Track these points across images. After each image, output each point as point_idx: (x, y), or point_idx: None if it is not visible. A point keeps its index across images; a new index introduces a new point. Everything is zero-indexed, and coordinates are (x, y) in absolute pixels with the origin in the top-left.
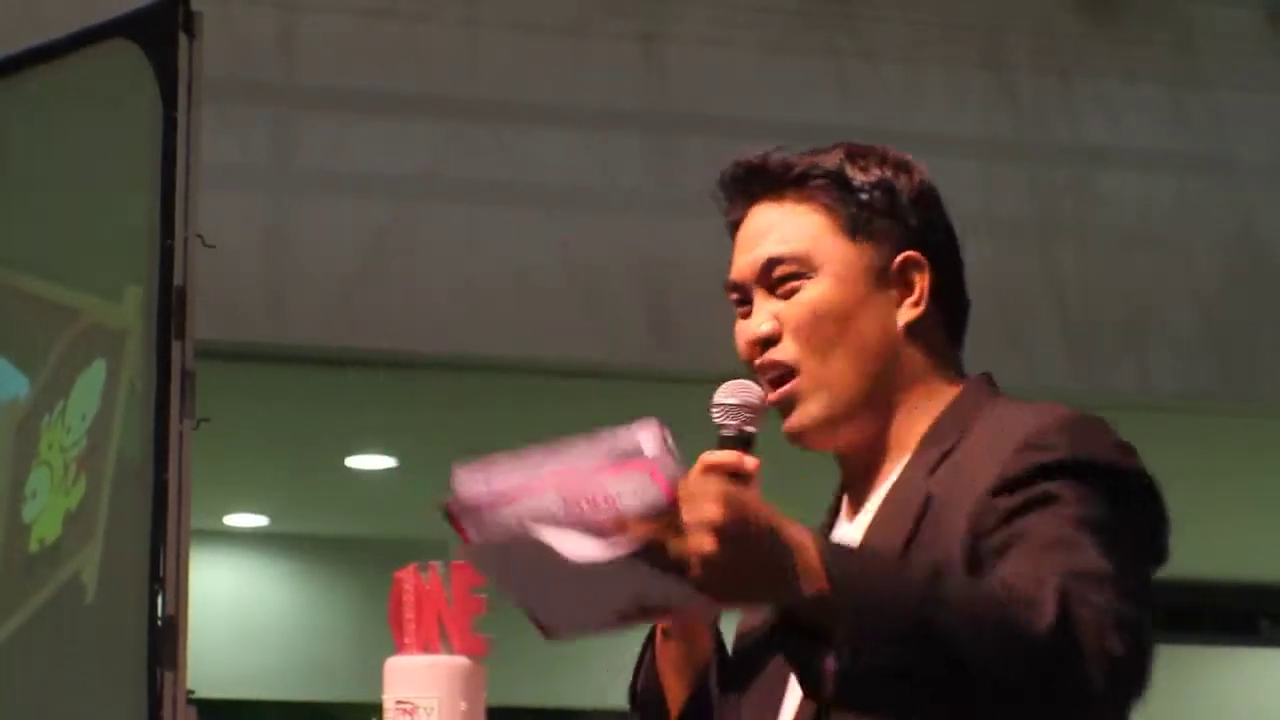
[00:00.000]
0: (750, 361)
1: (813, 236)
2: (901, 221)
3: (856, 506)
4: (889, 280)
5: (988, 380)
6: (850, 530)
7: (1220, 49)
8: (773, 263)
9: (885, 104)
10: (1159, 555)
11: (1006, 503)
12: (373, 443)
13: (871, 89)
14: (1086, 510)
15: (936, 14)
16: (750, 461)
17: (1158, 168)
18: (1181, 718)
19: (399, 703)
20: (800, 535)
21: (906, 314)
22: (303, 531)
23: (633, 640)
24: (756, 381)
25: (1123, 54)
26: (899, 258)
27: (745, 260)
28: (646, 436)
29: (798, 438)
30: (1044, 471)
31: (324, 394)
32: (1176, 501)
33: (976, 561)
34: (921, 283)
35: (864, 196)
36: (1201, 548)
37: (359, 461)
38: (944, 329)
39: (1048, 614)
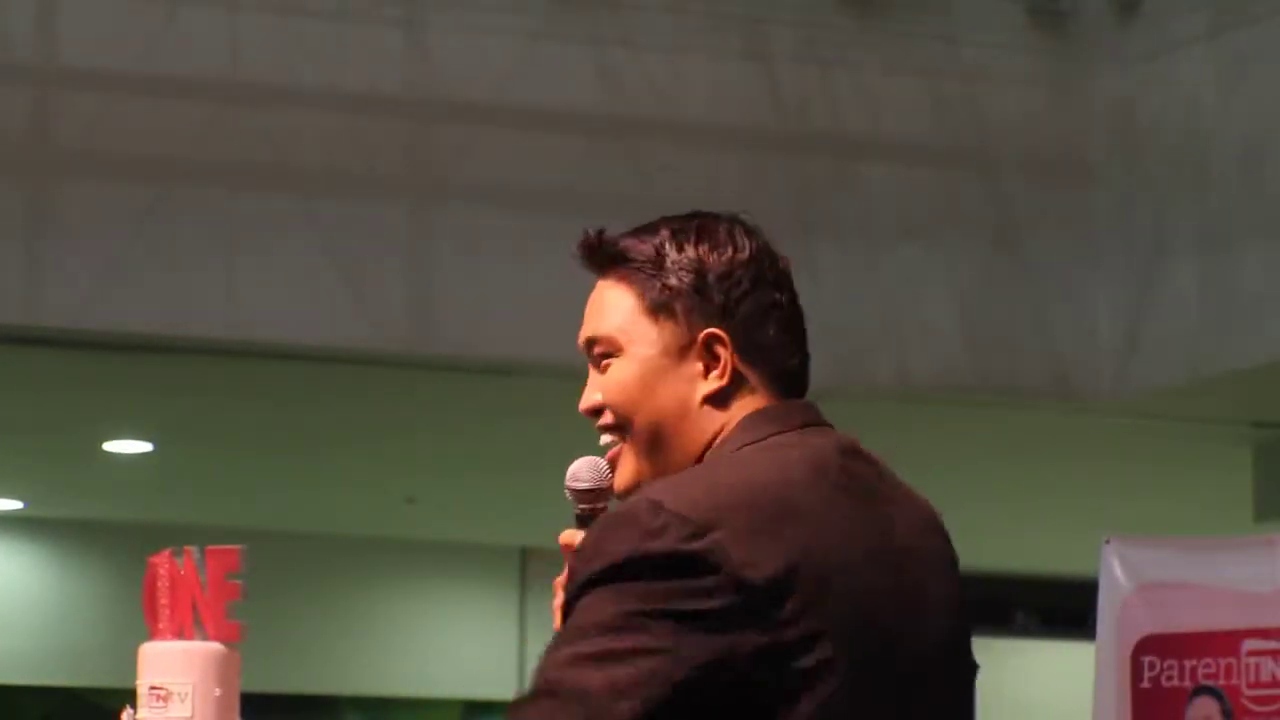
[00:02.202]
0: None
1: (620, 318)
2: (707, 299)
3: None
4: (692, 355)
5: (744, 421)
6: None
7: (980, 43)
8: (590, 342)
9: (647, 93)
10: (683, 623)
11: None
12: (130, 427)
13: (633, 78)
14: (579, 628)
15: (699, 3)
16: None
17: (917, 161)
18: None
19: (153, 688)
20: None
21: (710, 385)
22: (58, 516)
23: (386, 625)
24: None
25: (884, 46)
26: (701, 334)
27: (580, 334)
28: None
29: (621, 494)
30: (579, 588)
31: (81, 378)
32: (932, 492)
33: None
34: (725, 356)
35: (671, 280)
36: (957, 538)
37: (116, 446)
38: (765, 388)
39: None
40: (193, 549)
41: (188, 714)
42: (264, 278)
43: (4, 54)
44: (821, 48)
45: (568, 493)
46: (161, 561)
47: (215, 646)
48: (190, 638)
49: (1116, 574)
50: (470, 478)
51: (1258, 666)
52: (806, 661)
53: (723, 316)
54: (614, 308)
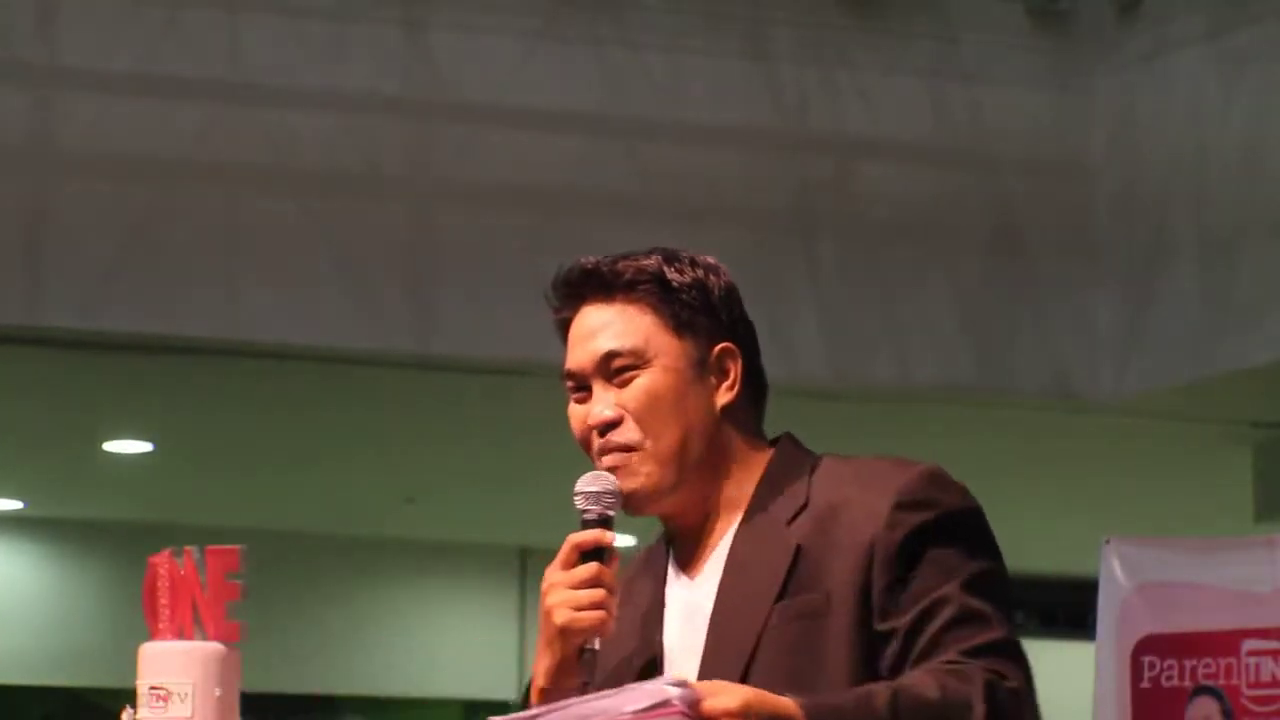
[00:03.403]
0: (586, 441)
1: (644, 333)
2: (715, 317)
3: (691, 566)
4: (708, 369)
5: (793, 441)
6: (691, 592)
7: (980, 43)
8: (611, 355)
9: (648, 93)
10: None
11: (901, 565)
12: (130, 427)
13: (634, 78)
14: (968, 569)
15: (699, 3)
16: (609, 536)
17: (917, 160)
18: None
19: (153, 688)
20: (791, 708)
21: (723, 397)
22: (58, 515)
23: (387, 625)
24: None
25: (884, 46)
26: (716, 349)
27: (584, 352)
28: (673, 690)
29: (629, 504)
30: (925, 532)
31: (81, 378)
32: None
33: (868, 602)
34: (735, 370)
35: (684, 296)
36: None
37: (116, 446)
38: (752, 406)
39: (979, 713)
40: (193, 549)
41: (188, 714)
42: (264, 278)
43: (4, 54)
44: (821, 48)
45: (580, 499)
46: (161, 561)
47: (215, 646)
48: (190, 638)
49: (1116, 574)
50: (470, 478)
51: (1258, 666)
52: None
53: (729, 333)
54: (633, 325)
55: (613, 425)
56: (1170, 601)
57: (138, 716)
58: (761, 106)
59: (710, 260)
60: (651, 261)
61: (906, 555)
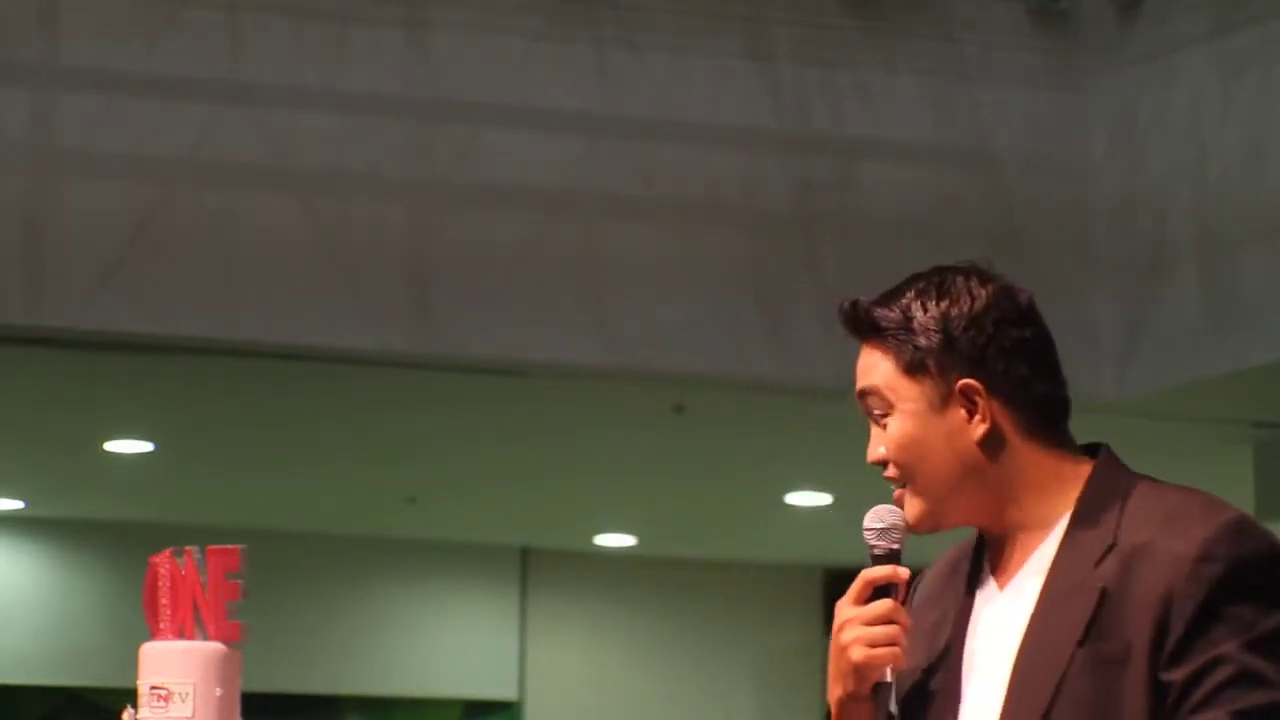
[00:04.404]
0: None
1: (885, 380)
2: (956, 352)
3: (1003, 573)
4: (952, 405)
5: (1111, 458)
6: (1003, 605)
7: (981, 42)
8: (863, 394)
9: (648, 93)
10: None
11: (1195, 619)
12: (131, 427)
13: (635, 78)
14: (1259, 626)
15: (701, 3)
16: (903, 573)
17: (918, 159)
18: None
19: (154, 688)
20: None
21: (976, 431)
22: (59, 515)
23: (387, 625)
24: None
25: (885, 46)
26: (957, 386)
27: (856, 392)
28: None
29: (913, 531)
30: (1224, 587)
31: (82, 377)
32: None
33: (1160, 654)
34: (983, 402)
35: (921, 340)
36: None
37: (117, 446)
38: (1034, 417)
39: None
40: (193, 549)
41: (189, 714)
42: (264, 278)
43: (4, 54)
44: (821, 48)
45: (869, 534)
46: (162, 561)
47: (216, 646)
48: (191, 637)
49: None
50: (470, 478)
51: None
52: None
53: (973, 365)
54: (876, 371)
55: (883, 463)
56: None
57: (138, 716)
58: (762, 106)
59: (967, 282)
60: (903, 298)
61: (1203, 610)
